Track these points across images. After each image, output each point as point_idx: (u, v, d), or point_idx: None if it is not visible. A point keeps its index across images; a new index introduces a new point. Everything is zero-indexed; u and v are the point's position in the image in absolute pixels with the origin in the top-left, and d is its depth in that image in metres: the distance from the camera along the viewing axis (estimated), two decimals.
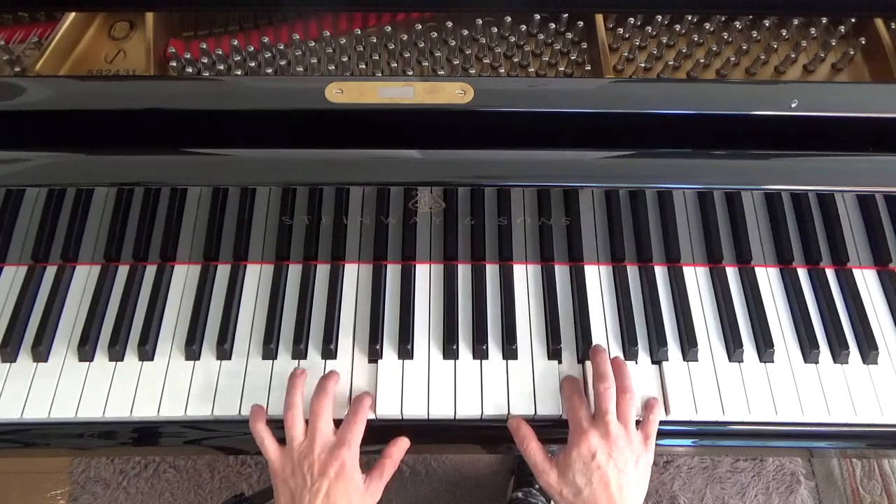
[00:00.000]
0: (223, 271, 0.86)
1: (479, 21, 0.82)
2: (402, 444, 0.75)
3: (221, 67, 0.82)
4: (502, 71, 0.83)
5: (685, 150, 0.72)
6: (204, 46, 0.82)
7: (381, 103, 0.70)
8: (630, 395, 0.72)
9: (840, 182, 0.73)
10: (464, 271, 0.86)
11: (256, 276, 0.86)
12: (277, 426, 0.79)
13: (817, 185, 0.74)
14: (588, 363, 0.80)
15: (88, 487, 1.48)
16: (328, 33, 0.81)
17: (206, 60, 0.82)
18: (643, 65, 0.83)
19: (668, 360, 0.81)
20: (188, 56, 0.80)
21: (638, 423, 0.73)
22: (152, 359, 0.80)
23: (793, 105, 0.70)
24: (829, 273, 0.87)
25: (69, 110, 0.70)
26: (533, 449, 0.71)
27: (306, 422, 0.72)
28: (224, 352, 0.80)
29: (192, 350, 0.80)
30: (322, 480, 0.67)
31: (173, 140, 0.71)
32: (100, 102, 0.71)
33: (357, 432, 0.71)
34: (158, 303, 0.83)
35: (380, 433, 0.74)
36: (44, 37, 0.82)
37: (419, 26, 0.82)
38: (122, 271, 0.86)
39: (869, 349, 0.81)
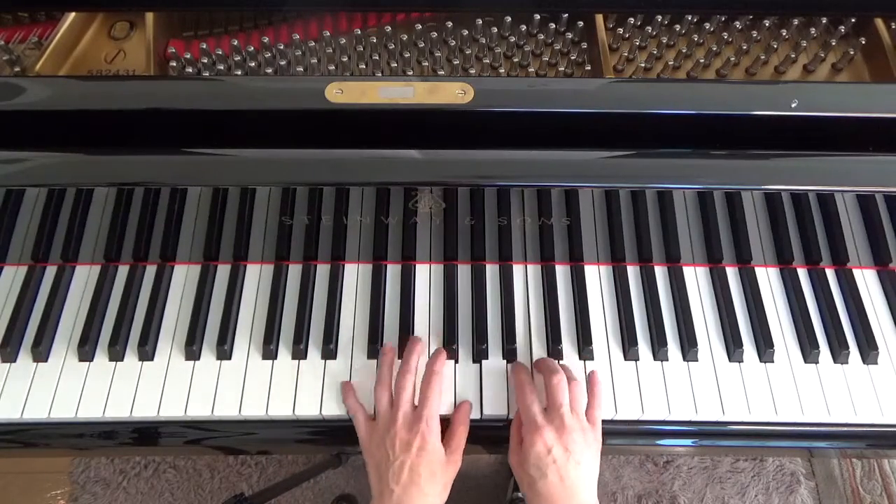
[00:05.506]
0: (223, 271, 0.86)
1: (479, 21, 0.82)
2: (466, 408, 0.77)
3: (221, 67, 0.81)
4: (502, 71, 0.83)
5: (685, 150, 0.72)
6: (204, 46, 0.82)
7: (381, 103, 0.70)
8: (577, 382, 0.75)
9: (840, 182, 0.73)
10: (464, 271, 0.86)
11: (256, 276, 0.86)
12: (274, 426, 0.79)
13: (817, 185, 0.74)
14: (588, 362, 0.80)
15: (88, 487, 1.48)
16: (328, 33, 0.81)
17: (206, 60, 0.81)
18: (643, 65, 0.83)
19: (668, 360, 0.81)
20: (188, 56, 0.80)
21: None
22: (152, 359, 0.80)
23: (793, 105, 0.70)
24: (829, 273, 0.87)
25: (69, 110, 0.70)
26: (512, 434, 0.75)
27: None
28: (224, 352, 0.80)
29: (192, 350, 0.80)
30: (405, 455, 0.70)
31: (173, 140, 0.71)
32: (100, 102, 0.71)
33: (433, 405, 0.74)
34: (158, 303, 0.83)
35: None
36: (44, 37, 0.82)
37: (419, 26, 0.82)
38: (122, 271, 0.86)
39: (869, 349, 0.81)
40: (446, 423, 0.76)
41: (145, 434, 0.78)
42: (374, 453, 0.72)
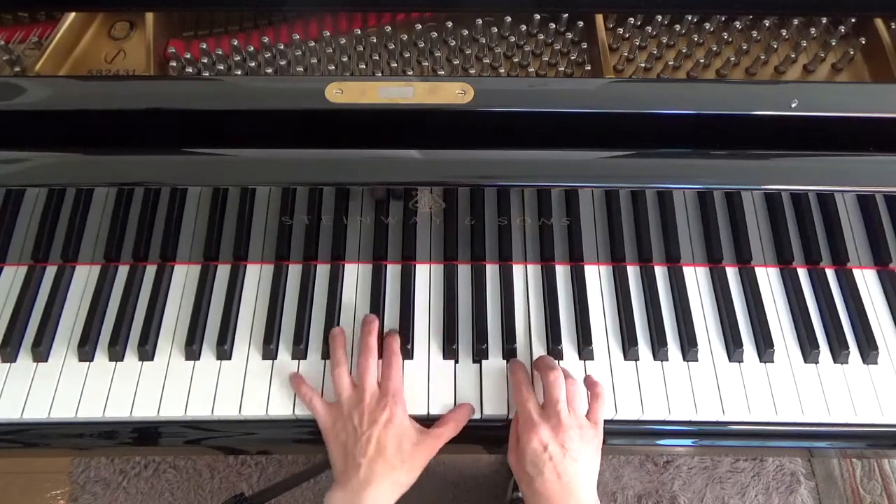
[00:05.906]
0: (223, 271, 0.86)
1: (479, 21, 0.82)
2: (464, 409, 0.76)
3: (221, 67, 0.82)
4: (502, 71, 0.83)
5: (685, 150, 0.72)
6: (204, 46, 0.82)
7: (381, 103, 0.70)
8: (574, 380, 0.74)
9: (840, 182, 0.73)
10: (464, 271, 0.86)
11: (256, 276, 0.86)
12: (274, 426, 0.79)
13: (817, 185, 0.74)
14: (588, 362, 0.80)
15: (88, 487, 1.48)
16: (328, 33, 0.81)
17: (206, 60, 0.81)
18: (643, 65, 0.83)
19: (668, 359, 0.81)
20: (188, 56, 0.80)
21: None
22: (152, 359, 0.80)
23: (793, 105, 0.70)
24: (829, 273, 0.87)
25: (69, 110, 0.70)
26: (511, 432, 0.74)
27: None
28: (224, 352, 0.80)
29: (192, 350, 0.80)
30: (372, 428, 0.70)
31: (173, 140, 0.71)
32: (100, 102, 0.71)
33: (397, 380, 0.75)
34: (158, 303, 0.83)
35: None
36: (44, 37, 0.82)
37: (419, 26, 0.82)
38: (122, 271, 0.86)
39: (869, 349, 0.81)
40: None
41: (145, 434, 0.78)
42: (339, 434, 0.72)
